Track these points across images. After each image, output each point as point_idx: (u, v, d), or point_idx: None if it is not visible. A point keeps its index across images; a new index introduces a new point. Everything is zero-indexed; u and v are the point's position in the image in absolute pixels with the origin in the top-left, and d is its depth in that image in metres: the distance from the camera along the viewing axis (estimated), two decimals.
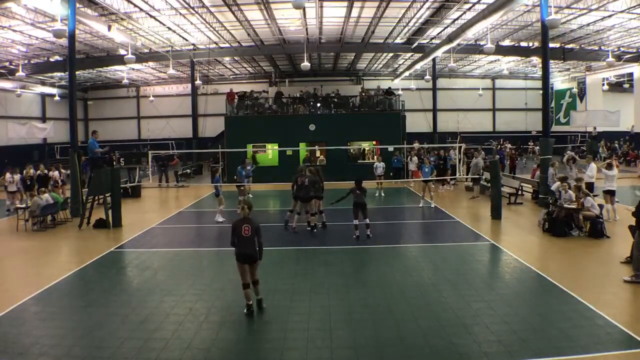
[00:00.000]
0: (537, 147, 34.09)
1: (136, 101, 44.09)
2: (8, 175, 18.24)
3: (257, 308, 7.35)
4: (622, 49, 30.50)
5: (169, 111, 42.79)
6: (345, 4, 21.58)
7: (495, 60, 36.70)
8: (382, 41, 29.23)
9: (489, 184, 16.17)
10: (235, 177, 17.70)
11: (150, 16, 22.11)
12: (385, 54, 34.43)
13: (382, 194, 20.44)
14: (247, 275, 7.24)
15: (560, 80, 42.78)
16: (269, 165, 27.15)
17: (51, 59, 30.03)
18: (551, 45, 24.93)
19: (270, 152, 28.05)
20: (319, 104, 28.02)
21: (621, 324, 6.59)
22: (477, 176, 19.52)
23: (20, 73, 27.67)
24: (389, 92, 28.46)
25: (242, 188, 16.86)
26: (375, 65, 39.21)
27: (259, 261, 7.29)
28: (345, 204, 12.62)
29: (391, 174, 23.82)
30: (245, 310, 7.22)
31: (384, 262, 10.31)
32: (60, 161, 26.77)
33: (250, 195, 20.29)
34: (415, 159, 23.15)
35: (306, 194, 13.04)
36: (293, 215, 13.35)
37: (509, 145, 31.15)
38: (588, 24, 24.85)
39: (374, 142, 27.36)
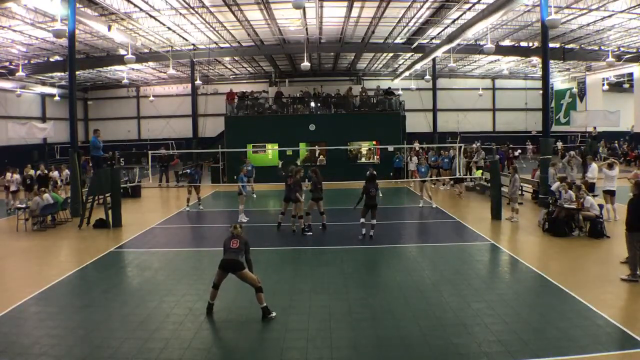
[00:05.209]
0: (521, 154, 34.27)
1: (136, 101, 44.09)
2: (8, 175, 18.25)
3: (262, 316, 7.14)
4: (622, 49, 30.50)
5: (169, 111, 42.81)
6: (345, 4, 21.56)
7: (495, 60, 36.69)
8: (382, 41, 29.21)
9: (489, 184, 16.17)
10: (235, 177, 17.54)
11: (150, 16, 22.10)
12: (385, 54, 34.41)
13: (380, 194, 20.44)
14: (221, 280, 7.26)
15: (560, 80, 42.78)
16: (269, 165, 27.14)
17: (51, 59, 30.02)
18: (551, 45, 24.95)
19: (270, 152, 28.03)
20: (318, 104, 28.01)
21: (621, 324, 6.60)
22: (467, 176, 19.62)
23: (20, 73, 27.66)
24: (389, 92, 28.46)
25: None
26: (375, 65, 39.20)
27: (247, 272, 7.10)
28: (344, 204, 12.61)
29: (391, 174, 23.85)
30: (206, 308, 7.30)
31: (384, 262, 10.32)
32: (61, 161, 26.75)
33: (254, 196, 20.27)
34: (415, 158, 23.15)
35: (287, 194, 13.06)
36: (284, 217, 13.39)
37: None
38: (588, 24, 24.84)
39: (374, 142, 27.35)
